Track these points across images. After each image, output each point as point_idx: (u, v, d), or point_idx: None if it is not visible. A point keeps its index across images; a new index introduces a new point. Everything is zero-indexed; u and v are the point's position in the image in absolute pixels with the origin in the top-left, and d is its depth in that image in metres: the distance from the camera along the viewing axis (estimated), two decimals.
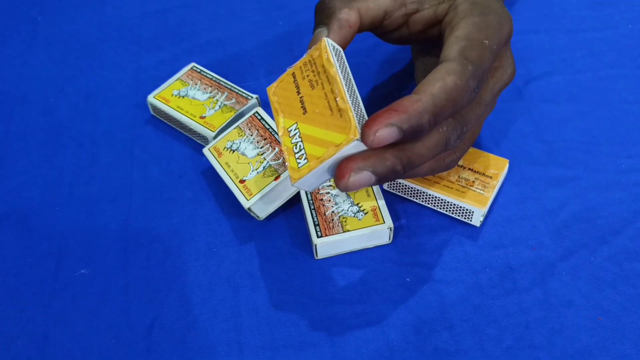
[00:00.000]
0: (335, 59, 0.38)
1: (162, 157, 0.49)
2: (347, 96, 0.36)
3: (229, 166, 0.45)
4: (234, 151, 0.46)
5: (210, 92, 0.51)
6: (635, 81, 0.52)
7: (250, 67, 0.55)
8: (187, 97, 0.51)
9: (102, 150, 0.50)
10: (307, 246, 0.44)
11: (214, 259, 0.44)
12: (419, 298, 0.41)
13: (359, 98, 0.38)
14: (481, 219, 0.44)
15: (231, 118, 0.49)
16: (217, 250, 0.44)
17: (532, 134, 0.49)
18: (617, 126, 0.49)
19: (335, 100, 0.37)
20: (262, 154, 0.45)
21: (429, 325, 0.40)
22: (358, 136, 0.35)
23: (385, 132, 0.34)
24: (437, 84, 0.36)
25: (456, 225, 0.44)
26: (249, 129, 0.47)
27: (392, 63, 0.54)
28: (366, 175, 0.36)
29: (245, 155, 0.45)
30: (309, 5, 0.58)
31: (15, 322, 0.42)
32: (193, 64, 0.53)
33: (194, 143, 0.50)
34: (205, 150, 0.47)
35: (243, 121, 0.47)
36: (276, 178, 0.44)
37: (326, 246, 0.43)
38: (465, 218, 0.44)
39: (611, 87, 0.52)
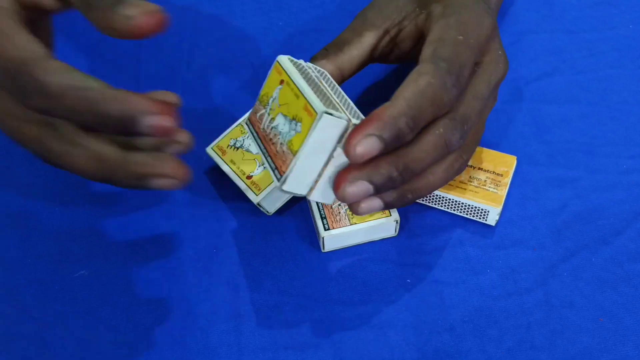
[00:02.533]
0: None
1: None
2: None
3: (234, 163, 0.45)
4: (238, 148, 0.46)
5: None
6: (636, 82, 0.52)
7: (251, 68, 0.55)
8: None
9: None
10: (308, 247, 0.44)
11: (214, 259, 0.44)
12: (420, 299, 0.41)
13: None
14: (497, 217, 0.43)
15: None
16: (217, 251, 0.44)
17: (533, 134, 0.49)
18: (618, 127, 0.49)
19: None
20: None
21: (430, 327, 0.40)
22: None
23: (365, 144, 0.34)
24: (410, 86, 0.36)
25: (457, 225, 0.44)
26: None
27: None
28: (363, 185, 0.36)
29: (250, 152, 0.45)
30: (309, 6, 0.58)
31: (15, 323, 0.41)
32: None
33: (195, 143, 0.50)
34: (209, 150, 0.46)
35: (245, 119, 0.47)
36: None
37: (333, 239, 0.43)
38: (480, 218, 0.44)
39: (612, 88, 0.51)
